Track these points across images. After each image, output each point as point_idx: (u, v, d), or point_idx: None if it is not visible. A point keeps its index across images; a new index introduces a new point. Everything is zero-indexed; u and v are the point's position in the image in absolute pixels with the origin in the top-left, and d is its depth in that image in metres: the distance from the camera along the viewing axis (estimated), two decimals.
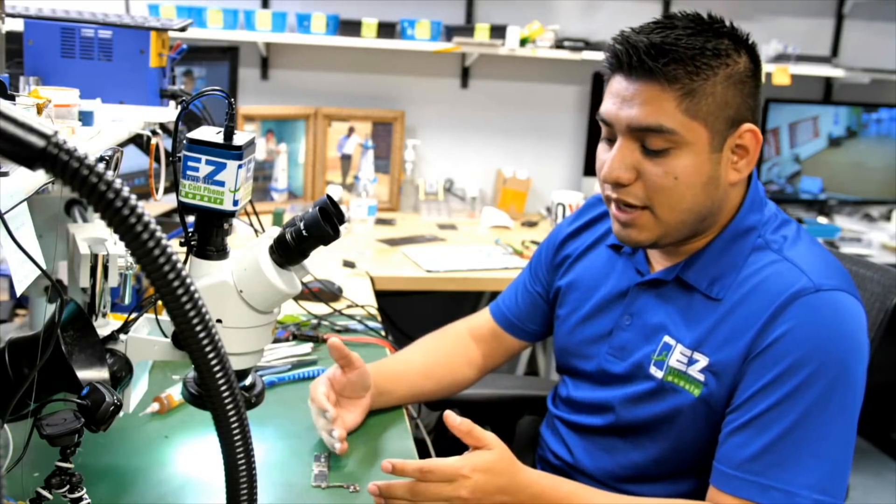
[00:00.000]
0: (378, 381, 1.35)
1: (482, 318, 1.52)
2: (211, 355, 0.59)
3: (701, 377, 1.12)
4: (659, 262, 1.23)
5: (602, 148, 1.17)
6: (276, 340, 1.62)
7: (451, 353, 1.48)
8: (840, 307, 1.07)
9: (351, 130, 3.07)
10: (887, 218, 3.39)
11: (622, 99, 1.10)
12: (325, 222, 0.92)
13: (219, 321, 0.93)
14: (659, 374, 1.17)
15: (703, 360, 1.12)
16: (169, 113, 1.39)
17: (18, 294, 1.20)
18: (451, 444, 1.17)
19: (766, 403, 1.05)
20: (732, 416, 1.08)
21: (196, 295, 0.57)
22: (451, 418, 1.07)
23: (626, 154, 1.11)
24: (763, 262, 1.13)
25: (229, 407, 0.61)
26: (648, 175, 1.10)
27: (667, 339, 1.17)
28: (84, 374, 0.92)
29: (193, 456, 1.21)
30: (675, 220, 1.12)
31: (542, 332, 1.47)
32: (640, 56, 1.07)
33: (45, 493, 0.95)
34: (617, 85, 1.11)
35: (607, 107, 1.13)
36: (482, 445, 1.07)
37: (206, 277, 0.93)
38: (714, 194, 1.12)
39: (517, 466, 1.09)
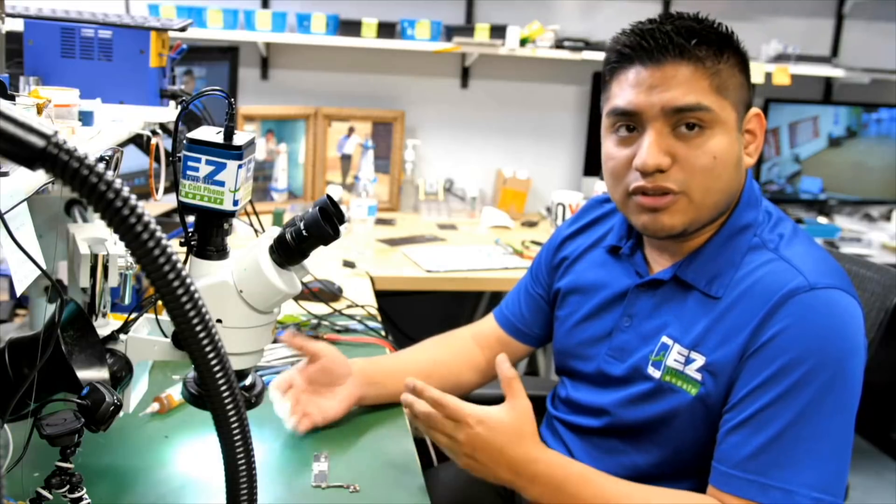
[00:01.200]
0: (370, 371, 1.36)
1: (487, 325, 1.52)
2: (211, 355, 0.59)
3: (698, 376, 1.12)
4: (658, 263, 1.23)
5: (612, 144, 1.16)
6: (276, 340, 1.62)
7: (453, 356, 1.48)
8: (835, 305, 1.07)
9: (351, 130, 3.07)
10: (887, 218, 3.39)
11: (648, 86, 1.10)
12: (325, 222, 0.92)
13: (219, 321, 0.93)
14: (657, 374, 1.17)
15: (699, 360, 1.12)
16: (169, 113, 1.39)
17: (18, 294, 1.20)
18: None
19: (763, 402, 1.05)
20: (729, 415, 1.09)
21: (196, 295, 0.57)
22: (503, 362, 1.14)
23: (660, 139, 1.10)
24: (759, 261, 1.13)
25: (229, 407, 0.61)
26: (686, 158, 1.10)
27: (664, 338, 1.17)
28: (84, 374, 0.92)
29: (193, 456, 1.21)
30: (709, 201, 1.12)
31: (546, 335, 1.47)
32: (669, 38, 1.09)
33: (45, 493, 0.95)
34: (636, 75, 1.11)
35: (630, 97, 1.11)
36: (513, 398, 1.12)
37: (206, 277, 0.93)
38: (738, 177, 1.15)
39: (528, 440, 1.11)
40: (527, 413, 1.12)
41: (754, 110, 1.16)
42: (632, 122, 1.13)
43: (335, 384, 1.32)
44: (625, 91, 1.12)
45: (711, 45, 1.10)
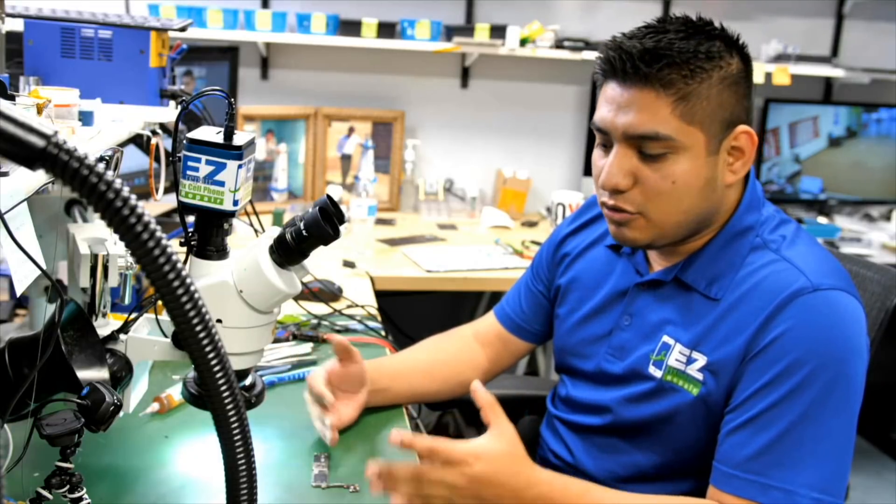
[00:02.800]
0: (376, 378, 1.35)
1: (487, 322, 1.52)
2: (211, 355, 0.59)
3: (699, 376, 1.12)
4: (658, 263, 1.23)
5: (597, 153, 1.17)
6: (276, 340, 1.62)
7: (455, 355, 1.48)
8: (838, 306, 1.07)
9: (351, 130, 3.07)
10: (887, 218, 3.39)
11: (617, 106, 1.10)
12: (325, 222, 0.92)
13: (219, 321, 0.93)
14: (658, 373, 1.17)
15: (701, 359, 1.12)
16: (169, 113, 1.39)
17: (18, 294, 1.20)
18: None
19: (765, 403, 1.05)
20: (731, 416, 1.09)
21: (196, 295, 0.57)
22: (478, 388, 1.06)
23: (623, 161, 1.11)
24: (761, 261, 1.13)
25: (229, 407, 0.61)
26: (646, 180, 1.10)
27: (666, 338, 1.17)
28: (84, 374, 0.92)
29: (193, 456, 1.21)
30: (670, 222, 1.12)
31: (546, 332, 1.47)
32: (633, 62, 1.07)
33: (45, 493, 0.95)
34: (611, 91, 1.11)
35: (602, 114, 1.12)
36: (496, 424, 1.05)
37: (206, 277, 0.93)
38: (711, 197, 1.13)
39: (525, 463, 1.07)
40: (514, 435, 1.07)
41: (742, 128, 1.11)
42: (604, 138, 1.14)
43: (355, 391, 1.31)
44: (601, 106, 1.13)
45: (683, 67, 1.06)
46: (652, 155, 1.09)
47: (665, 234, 1.14)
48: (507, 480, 1.04)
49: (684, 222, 1.13)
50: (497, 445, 1.04)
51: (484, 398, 1.06)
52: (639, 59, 1.06)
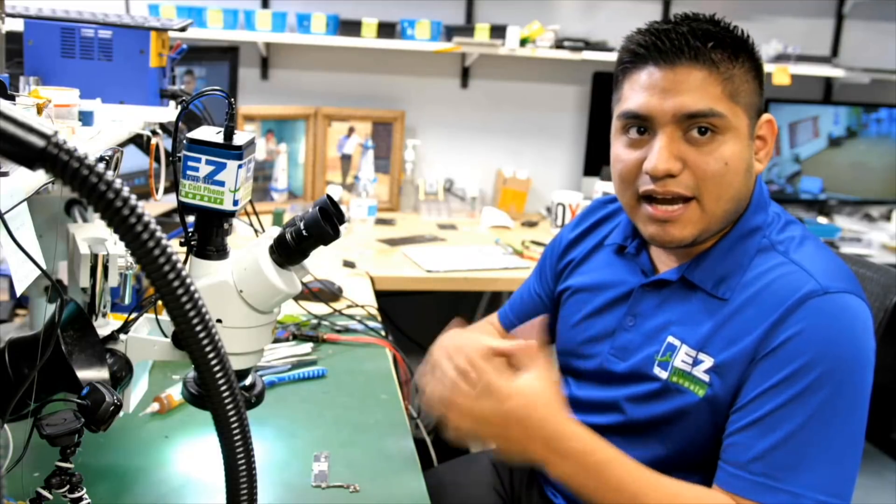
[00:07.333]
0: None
1: (491, 323, 1.52)
2: (211, 355, 0.59)
3: (706, 378, 1.12)
4: (664, 263, 1.23)
5: (622, 147, 1.15)
6: (276, 340, 1.62)
7: None
8: (848, 310, 1.07)
9: (351, 130, 3.07)
10: (887, 218, 3.39)
11: (661, 89, 1.09)
12: (325, 222, 0.92)
13: (219, 321, 0.93)
14: (664, 374, 1.16)
15: (708, 361, 1.12)
16: (169, 113, 1.39)
17: (18, 294, 1.20)
18: (451, 445, 1.16)
19: (773, 404, 1.05)
20: (737, 416, 1.08)
21: (196, 295, 0.57)
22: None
23: (671, 144, 1.10)
24: (769, 263, 1.12)
25: (229, 407, 0.61)
26: (696, 164, 1.10)
27: (671, 339, 1.17)
28: (84, 374, 0.92)
29: (193, 456, 1.21)
30: (720, 209, 1.12)
31: (546, 338, 1.46)
32: (686, 40, 1.08)
33: (45, 493, 0.95)
34: (648, 77, 1.10)
35: (641, 100, 1.11)
36: (536, 367, 1.06)
37: (206, 277, 0.93)
38: (749, 184, 1.14)
39: (557, 413, 1.05)
40: (552, 382, 1.07)
41: (766, 116, 1.15)
42: (643, 124, 1.12)
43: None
44: (637, 94, 1.12)
45: (727, 49, 1.09)
46: (700, 138, 1.09)
47: (711, 227, 1.13)
48: (536, 425, 1.04)
49: (730, 210, 1.13)
50: (534, 388, 1.05)
51: (530, 343, 1.08)
52: (692, 37, 1.08)
